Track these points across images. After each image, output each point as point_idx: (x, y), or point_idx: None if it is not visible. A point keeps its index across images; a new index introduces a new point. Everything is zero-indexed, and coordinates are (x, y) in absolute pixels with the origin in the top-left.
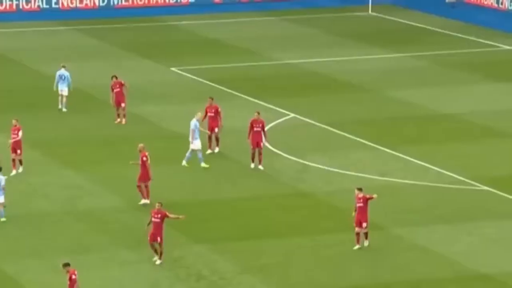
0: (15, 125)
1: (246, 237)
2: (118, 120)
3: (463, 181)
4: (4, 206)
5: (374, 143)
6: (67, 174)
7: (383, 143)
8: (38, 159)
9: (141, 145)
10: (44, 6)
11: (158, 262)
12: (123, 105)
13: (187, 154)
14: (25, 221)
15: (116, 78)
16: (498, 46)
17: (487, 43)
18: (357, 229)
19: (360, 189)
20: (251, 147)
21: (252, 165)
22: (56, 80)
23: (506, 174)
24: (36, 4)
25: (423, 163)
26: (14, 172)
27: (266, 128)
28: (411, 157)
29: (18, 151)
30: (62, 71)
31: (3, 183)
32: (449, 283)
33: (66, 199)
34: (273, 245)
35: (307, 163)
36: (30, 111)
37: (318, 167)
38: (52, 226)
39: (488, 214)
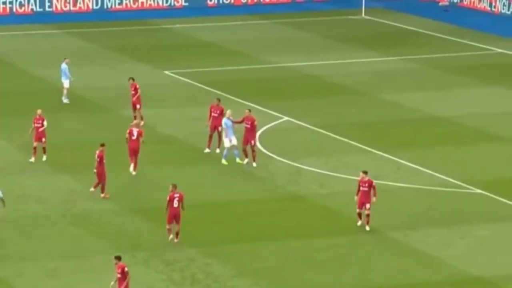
0: (40, 115)
1: (240, 241)
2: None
3: (457, 184)
4: None
5: (367, 146)
6: (62, 177)
7: (377, 146)
8: (31, 163)
9: (135, 121)
10: (38, 9)
11: (175, 240)
12: (138, 106)
13: (224, 152)
14: (19, 224)
15: (133, 80)
16: (491, 49)
17: (480, 46)
18: (358, 210)
19: (365, 173)
20: (243, 144)
21: (246, 160)
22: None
23: (500, 177)
24: (30, 7)
25: (416, 166)
26: (32, 159)
27: (258, 128)
28: (404, 160)
29: (43, 139)
30: (62, 65)
31: (1, 195)
32: (444, 286)
33: (61, 202)
34: (267, 248)
35: (300, 166)
36: (23, 114)
37: (311, 170)
38: (47, 230)
39: (482, 217)
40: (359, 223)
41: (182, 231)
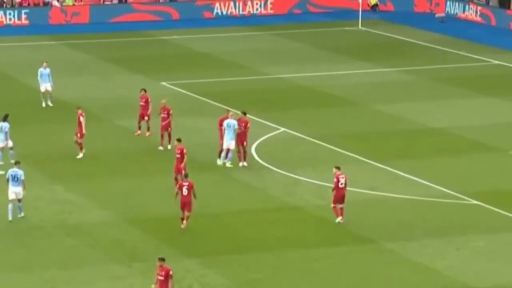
0: (80, 112)
1: (236, 251)
2: (139, 132)
3: (453, 195)
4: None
5: (363, 157)
6: (57, 188)
7: (372, 157)
8: (27, 173)
9: (163, 101)
10: (34, 21)
11: (181, 226)
12: (146, 118)
13: (229, 155)
14: (14, 235)
15: (145, 91)
16: (487, 61)
17: (476, 58)
18: (338, 205)
19: (338, 168)
20: (237, 145)
21: (241, 164)
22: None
23: (495, 188)
24: (26, 18)
25: (412, 177)
26: (81, 155)
27: (256, 139)
28: (400, 171)
29: (78, 135)
30: (41, 69)
31: (22, 177)
32: None
33: (56, 213)
34: (263, 259)
35: (297, 177)
36: (19, 125)
37: (308, 181)
38: (42, 240)
39: (477, 228)
40: (338, 219)
41: (177, 242)
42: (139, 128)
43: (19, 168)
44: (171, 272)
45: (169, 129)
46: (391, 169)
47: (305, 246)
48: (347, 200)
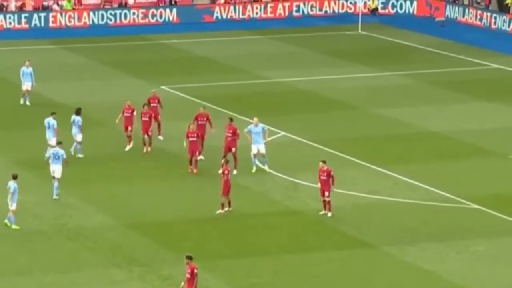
0: (129, 105)
1: (236, 255)
2: (145, 149)
3: (452, 199)
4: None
5: (363, 161)
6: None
7: (372, 161)
8: (28, 178)
9: (153, 90)
10: (34, 24)
11: (228, 209)
12: (150, 133)
13: (253, 160)
14: (15, 239)
15: (148, 106)
16: (487, 65)
17: (475, 62)
18: (322, 198)
19: (324, 162)
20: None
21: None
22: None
23: (495, 192)
24: (26, 22)
25: (412, 181)
26: (128, 147)
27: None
28: (400, 175)
29: (129, 128)
30: (23, 68)
31: (64, 156)
32: None
33: (57, 217)
34: (263, 263)
35: (297, 181)
36: (19, 129)
37: (308, 185)
38: (43, 244)
39: (477, 232)
40: (322, 212)
41: (178, 246)
42: (145, 144)
43: (60, 148)
44: (196, 271)
45: (158, 118)
46: (391, 173)
47: (305, 250)
48: (346, 203)
